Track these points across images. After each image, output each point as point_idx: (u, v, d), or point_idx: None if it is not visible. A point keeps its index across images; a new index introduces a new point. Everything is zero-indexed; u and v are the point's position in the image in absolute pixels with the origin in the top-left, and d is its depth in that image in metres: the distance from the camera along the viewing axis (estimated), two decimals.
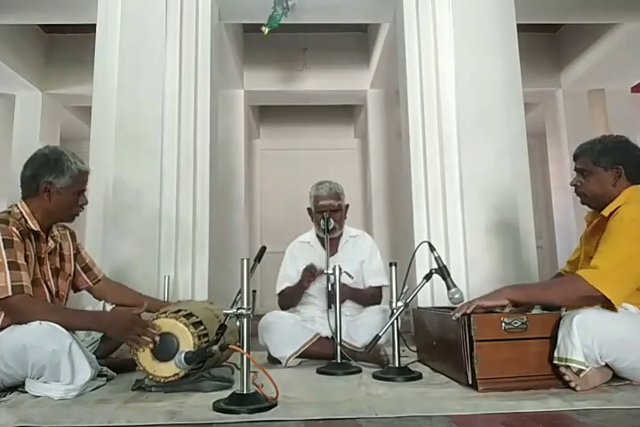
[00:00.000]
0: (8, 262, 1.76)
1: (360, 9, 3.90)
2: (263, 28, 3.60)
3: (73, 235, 2.22)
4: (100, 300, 2.30)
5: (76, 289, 2.26)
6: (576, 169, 2.01)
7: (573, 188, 2.04)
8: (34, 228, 1.92)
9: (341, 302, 2.30)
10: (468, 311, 1.76)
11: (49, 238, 2.02)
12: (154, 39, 3.27)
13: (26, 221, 1.91)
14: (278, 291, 2.63)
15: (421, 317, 2.29)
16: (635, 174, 1.92)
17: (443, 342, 2.02)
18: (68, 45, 5.25)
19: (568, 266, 2.18)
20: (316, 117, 6.54)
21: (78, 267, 2.22)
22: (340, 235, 2.67)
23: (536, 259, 3.20)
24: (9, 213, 1.91)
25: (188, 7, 3.40)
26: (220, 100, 3.85)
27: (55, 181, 1.93)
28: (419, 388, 1.80)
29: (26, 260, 1.85)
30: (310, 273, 2.47)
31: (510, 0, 3.39)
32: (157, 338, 1.76)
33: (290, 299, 2.60)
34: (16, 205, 1.95)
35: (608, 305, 1.72)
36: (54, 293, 2.01)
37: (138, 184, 3.09)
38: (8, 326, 1.81)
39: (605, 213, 1.87)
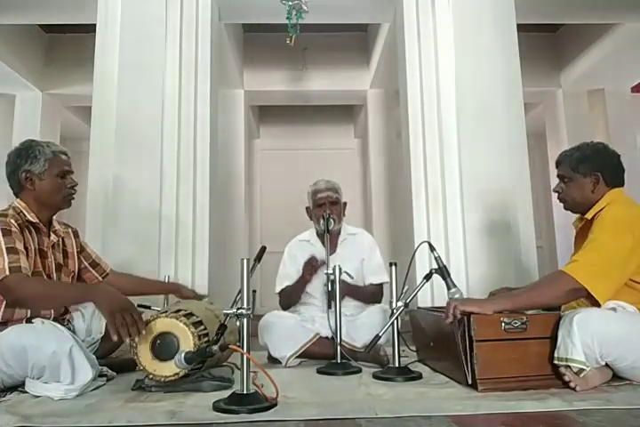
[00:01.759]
0: (6, 248, 1.77)
1: (360, 9, 3.91)
2: (289, 39, 3.54)
3: (76, 233, 2.24)
4: None
5: None
6: (558, 176, 2.07)
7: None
8: (32, 220, 1.94)
9: (340, 298, 2.30)
10: (458, 314, 1.75)
11: (51, 233, 2.03)
12: (154, 39, 3.27)
13: (24, 215, 1.94)
14: (278, 290, 2.62)
15: (417, 318, 2.30)
16: (613, 179, 1.97)
17: (442, 343, 2.02)
18: (68, 45, 5.25)
19: None
20: (316, 117, 6.54)
21: (86, 263, 2.23)
22: (339, 233, 2.67)
23: (536, 259, 3.20)
24: (9, 208, 1.94)
25: (187, 7, 3.41)
26: (220, 100, 3.85)
27: (31, 167, 1.96)
28: (419, 388, 1.80)
29: (26, 252, 1.86)
30: (312, 266, 2.47)
31: (510, 0, 3.40)
32: (144, 332, 1.70)
33: (291, 296, 2.59)
34: (14, 202, 1.98)
35: (593, 301, 1.73)
36: None
37: (138, 184, 3.09)
38: (8, 319, 1.82)
39: (589, 215, 1.94)
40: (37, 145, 1.99)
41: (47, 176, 1.98)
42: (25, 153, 1.97)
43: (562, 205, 2.08)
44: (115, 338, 1.69)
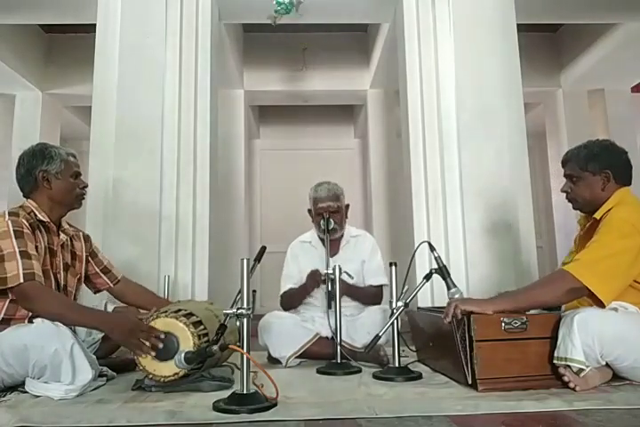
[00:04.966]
0: (20, 252, 1.80)
1: (360, 9, 3.90)
2: (273, 17, 3.47)
3: (87, 237, 2.28)
4: (119, 300, 2.36)
5: (97, 290, 2.32)
6: (565, 175, 2.03)
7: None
8: (44, 219, 1.98)
9: (340, 297, 2.30)
10: (459, 314, 1.74)
11: (60, 232, 2.06)
12: (154, 39, 3.27)
13: (35, 214, 1.97)
14: (282, 292, 2.62)
15: (416, 319, 2.30)
16: (623, 177, 1.94)
17: (441, 343, 2.02)
18: (68, 45, 5.25)
19: None
20: (316, 117, 6.54)
21: (97, 269, 2.27)
22: (342, 235, 2.67)
23: (536, 259, 3.20)
24: (20, 207, 1.98)
25: (187, 7, 3.40)
26: (219, 100, 3.85)
27: (49, 167, 2.01)
28: (419, 388, 1.80)
29: (36, 251, 1.88)
30: (315, 280, 2.46)
31: (510, 0, 3.39)
32: (160, 345, 1.74)
33: (292, 301, 2.60)
34: (25, 203, 2.01)
35: (596, 300, 1.72)
36: (62, 286, 2.04)
37: (138, 184, 3.09)
38: (11, 317, 1.84)
39: (597, 215, 1.90)
40: (52, 147, 2.06)
41: (63, 176, 2.03)
42: (40, 154, 2.02)
43: (563, 205, 2.08)
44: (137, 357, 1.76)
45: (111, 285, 2.31)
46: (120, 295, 2.34)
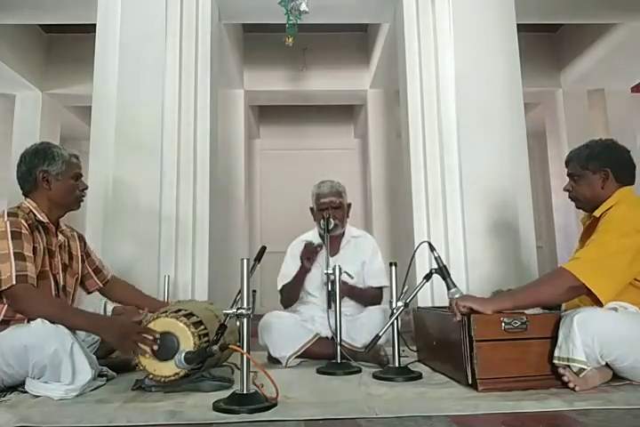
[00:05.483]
0: (14, 253, 1.80)
1: (360, 9, 3.90)
2: (287, 40, 3.55)
3: (81, 237, 2.27)
4: (110, 299, 2.35)
5: (88, 291, 2.32)
6: (568, 174, 2.05)
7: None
8: (43, 220, 1.97)
9: (340, 297, 2.30)
10: (462, 309, 1.77)
11: (58, 233, 2.06)
12: (154, 39, 3.27)
13: (34, 214, 1.96)
14: (279, 287, 2.62)
15: (422, 317, 2.29)
16: (623, 176, 1.95)
17: (443, 342, 2.03)
18: (68, 45, 5.26)
19: None
20: (316, 117, 6.54)
21: (90, 269, 2.27)
22: (342, 235, 2.67)
23: (536, 259, 3.20)
24: (18, 207, 1.97)
25: (187, 7, 3.41)
26: (220, 100, 3.85)
27: (50, 168, 2.00)
28: (419, 388, 1.80)
29: (34, 252, 1.88)
30: (309, 250, 2.47)
31: (510, 0, 3.40)
32: (155, 347, 1.74)
33: (292, 290, 2.58)
34: (23, 202, 2.01)
35: (594, 299, 1.72)
36: (61, 287, 2.03)
37: (138, 184, 3.09)
38: (10, 318, 1.83)
39: (597, 213, 1.91)
40: (54, 147, 2.05)
41: (63, 177, 2.02)
42: (43, 154, 2.01)
43: (563, 205, 2.08)
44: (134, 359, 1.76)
45: (101, 285, 2.30)
46: (109, 294, 2.34)
